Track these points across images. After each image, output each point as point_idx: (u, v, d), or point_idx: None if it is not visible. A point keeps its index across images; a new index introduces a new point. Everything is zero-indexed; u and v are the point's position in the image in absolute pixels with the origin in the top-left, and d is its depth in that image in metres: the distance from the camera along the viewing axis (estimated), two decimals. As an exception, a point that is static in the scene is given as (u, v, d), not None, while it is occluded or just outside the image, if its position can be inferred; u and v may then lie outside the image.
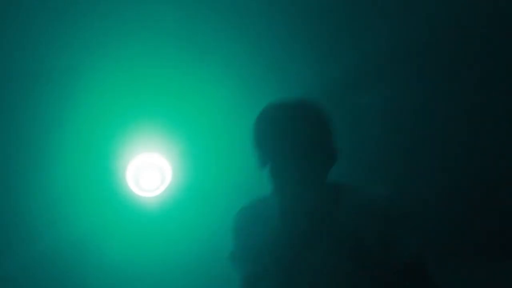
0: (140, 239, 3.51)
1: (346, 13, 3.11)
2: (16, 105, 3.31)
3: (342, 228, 1.97)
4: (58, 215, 3.45)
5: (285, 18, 3.12)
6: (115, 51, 3.18)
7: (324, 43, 3.13)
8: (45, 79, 3.23)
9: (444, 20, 3.06)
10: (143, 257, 3.53)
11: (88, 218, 3.46)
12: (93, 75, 3.22)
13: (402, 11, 3.04)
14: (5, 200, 3.48)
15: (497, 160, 3.21)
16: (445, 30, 3.08)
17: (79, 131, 3.34)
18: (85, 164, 3.41)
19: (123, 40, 3.17)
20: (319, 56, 3.14)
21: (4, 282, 3.48)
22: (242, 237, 2.15)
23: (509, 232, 3.21)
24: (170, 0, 3.08)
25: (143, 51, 3.17)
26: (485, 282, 3.14)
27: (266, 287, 2.05)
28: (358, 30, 3.10)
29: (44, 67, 3.19)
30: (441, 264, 2.65)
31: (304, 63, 3.16)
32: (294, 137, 1.99)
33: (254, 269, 2.08)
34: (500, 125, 3.21)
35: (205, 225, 3.50)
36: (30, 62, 3.17)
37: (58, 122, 3.34)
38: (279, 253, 2.02)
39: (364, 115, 3.25)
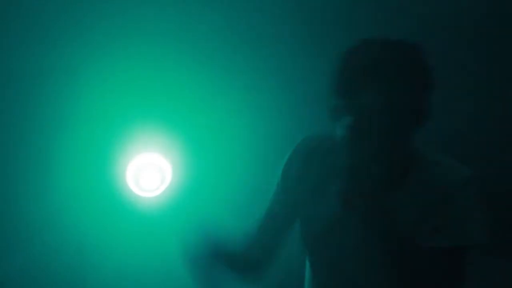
0: (140, 239, 3.50)
1: (347, 11, 3.11)
2: (16, 105, 3.31)
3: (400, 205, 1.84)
4: (58, 215, 3.45)
5: (285, 17, 3.12)
6: (115, 51, 3.17)
7: (326, 43, 3.13)
8: (45, 79, 3.23)
9: (444, 20, 3.07)
10: (143, 257, 3.52)
11: (88, 218, 3.46)
12: (93, 75, 3.21)
13: (404, 10, 3.04)
14: (4, 201, 3.47)
15: (498, 160, 3.21)
16: (447, 31, 3.09)
17: (79, 131, 3.34)
18: (85, 164, 3.40)
19: (123, 40, 3.17)
20: (321, 55, 3.13)
21: (3, 282, 3.48)
22: (303, 168, 2.00)
23: (509, 232, 3.21)
24: (171, 0, 3.08)
25: (144, 51, 3.17)
26: (485, 282, 3.14)
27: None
28: (358, 28, 3.10)
29: (44, 67, 3.19)
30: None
31: (305, 62, 3.16)
32: (386, 92, 1.82)
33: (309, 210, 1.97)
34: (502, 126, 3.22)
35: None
36: (30, 62, 3.17)
37: (58, 122, 3.34)
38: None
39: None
